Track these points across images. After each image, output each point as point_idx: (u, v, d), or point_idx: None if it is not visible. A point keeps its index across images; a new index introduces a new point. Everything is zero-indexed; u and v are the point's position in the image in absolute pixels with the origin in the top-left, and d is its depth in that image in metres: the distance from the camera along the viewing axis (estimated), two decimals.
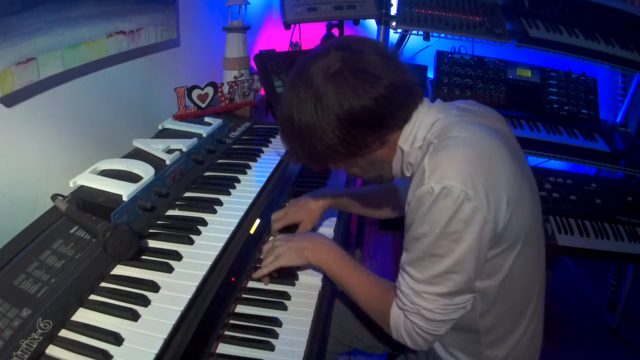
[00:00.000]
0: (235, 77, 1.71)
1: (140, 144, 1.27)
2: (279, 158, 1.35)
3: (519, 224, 0.83)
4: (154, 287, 0.84)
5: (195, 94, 1.49)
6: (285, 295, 1.02)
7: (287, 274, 1.09)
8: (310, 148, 0.87)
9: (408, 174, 0.93)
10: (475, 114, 0.94)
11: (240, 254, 1.02)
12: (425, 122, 0.89)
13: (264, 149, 1.40)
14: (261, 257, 1.10)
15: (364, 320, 1.22)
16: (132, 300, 0.80)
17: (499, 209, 0.79)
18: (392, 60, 0.86)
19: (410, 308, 0.84)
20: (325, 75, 0.83)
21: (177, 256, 0.92)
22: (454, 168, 0.78)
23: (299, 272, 1.11)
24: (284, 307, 0.99)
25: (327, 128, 0.83)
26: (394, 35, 2.17)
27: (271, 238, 1.20)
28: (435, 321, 0.84)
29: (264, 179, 1.23)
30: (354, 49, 0.85)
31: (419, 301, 0.83)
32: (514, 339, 0.93)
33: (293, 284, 1.07)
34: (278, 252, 1.05)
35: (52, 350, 0.71)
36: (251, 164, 1.30)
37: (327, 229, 1.28)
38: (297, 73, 0.88)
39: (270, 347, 0.89)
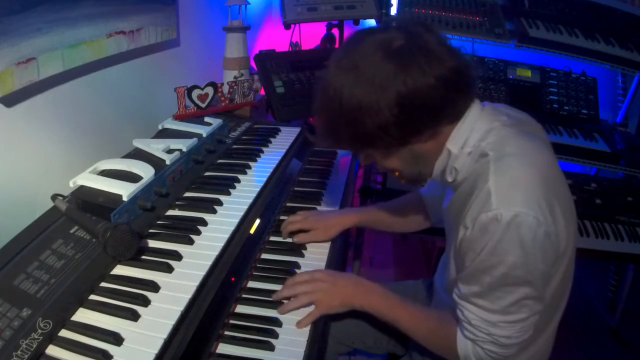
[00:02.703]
0: (235, 77, 1.71)
1: (140, 144, 1.27)
2: (279, 158, 1.35)
3: (571, 238, 0.81)
4: (154, 287, 0.84)
5: (195, 94, 1.49)
6: (284, 286, 1.02)
7: None
8: (358, 128, 0.81)
9: (449, 179, 0.89)
10: (523, 123, 0.91)
11: (240, 254, 1.02)
12: (480, 127, 0.84)
13: (264, 149, 1.40)
14: (293, 286, 1.00)
15: (364, 320, 1.22)
16: (132, 300, 0.80)
17: (561, 229, 0.78)
18: (451, 46, 0.83)
19: (485, 338, 0.82)
20: (387, 50, 0.77)
21: (177, 256, 0.92)
22: (523, 192, 0.76)
23: (298, 271, 1.11)
24: None
25: (383, 105, 0.77)
26: None
27: (301, 271, 1.09)
28: (511, 345, 0.82)
29: (264, 179, 1.23)
30: (414, 29, 0.81)
31: (495, 331, 0.81)
32: (533, 350, 0.92)
33: None
34: (318, 297, 0.97)
35: (52, 350, 0.71)
36: (251, 164, 1.30)
37: None
38: (350, 46, 0.82)
39: (270, 347, 0.89)
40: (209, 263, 0.91)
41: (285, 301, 0.99)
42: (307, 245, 1.19)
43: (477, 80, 0.87)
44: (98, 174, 1.10)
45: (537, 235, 0.74)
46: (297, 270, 1.11)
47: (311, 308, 0.98)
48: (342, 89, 0.79)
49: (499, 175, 0.78)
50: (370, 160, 0.93)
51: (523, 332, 0.82)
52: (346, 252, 1.31)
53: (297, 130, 1.55)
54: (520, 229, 0.74)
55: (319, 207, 1.34)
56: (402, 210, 1.26)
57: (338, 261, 1.20)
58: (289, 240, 1.20)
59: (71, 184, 1.05)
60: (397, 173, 0.94)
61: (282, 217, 1.29)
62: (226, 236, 0.99)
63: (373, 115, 0.78)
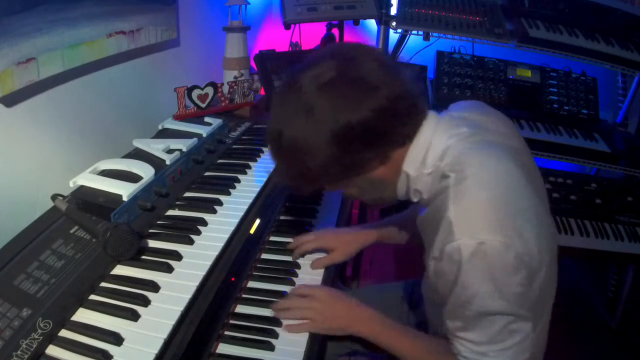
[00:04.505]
0: (235, 77, 1.71)
1: (140, 144, 1.27)
2: None
3: (544, 249, 0.79)
4: (154, 287, 0.84)
5: (195, 94, 1.49)
6: (285, 296, 1.02)
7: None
8: (302, 168, 0.79)
9: (415, 199, 0.87)
10: (487, 131, 0.86)
11: (240, 254, 1.02)
12: (436, 146, 0.81)
13: (264, 149, 1.40)
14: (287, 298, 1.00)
15: None
16: (132, 300, 0.80)
17: (532, 244, 0.75)
18: (391, 68, 0.78)
19: None
20: (318, 86, 0.75)
21: (177, 256, 0.92)
22: (484, 217, 0.73)
23: (298, 271, 1.11)
24: None
25: (320, 145, 0.75)
26: (394, 35, 2.17)
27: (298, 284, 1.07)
28: None
29: (264, 179, 1.23)
30: (349, 56, 0.77)
31: None
32: None
33: (293, 284, 1.07)
34: (311, 316, 0.95)
35: (52, 350, 0.71)
36: (251, 164, 1.30)
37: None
38: (285, 84, 0.80)
39: (270, 347, 0.89)
40: (209, 263, 0.91)
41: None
42: None
43: (422, 99, 0.83)
44: (98, 174, 1.10)
45: (507, 260, 0.71)
46: (297, 270, 1.11)
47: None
48: (280, 128, 0.78)
49: (458, 202, 0.75)
50: (336, 188, 0.90)
51: (517, 354, 0.79)
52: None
53: None
54: (487, 257, 0.71)
55: (319, 207, 1.34)
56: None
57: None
58: (306, 262, 1.14)
59: (71, 184, 1.05)
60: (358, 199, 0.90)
61: (282, 217, 1.30)
62: (226, 236, 0.99)
63: (311, 155, 0.76)
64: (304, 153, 0.77)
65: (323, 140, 0.75)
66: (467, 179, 0.76)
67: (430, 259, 0.80)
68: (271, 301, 1.00)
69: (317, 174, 0.79)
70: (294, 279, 1.08)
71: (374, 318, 0.97)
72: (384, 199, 0.91)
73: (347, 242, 1.16)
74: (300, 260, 1.14)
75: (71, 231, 0.91)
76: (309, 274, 1.11)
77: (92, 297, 0.82)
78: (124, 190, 1.01)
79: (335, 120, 0.74)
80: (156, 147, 1.24)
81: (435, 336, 0.95)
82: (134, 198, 1.00)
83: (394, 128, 0.78)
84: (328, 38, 2.21)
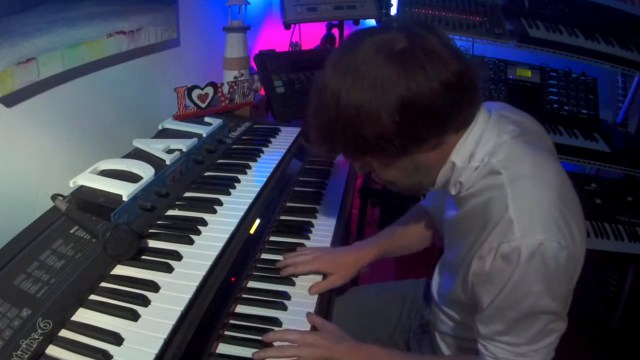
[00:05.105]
0: (235, 77, 1.71)
1: (140, 144, 1.27)
2: (279, 158, 1.35)
3: (583, 249, 0.78)
4: (154, 287, 0.84)
5: (195, 94, 1.49)
6: (285, 295, 1.02)
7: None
8: (355, 135, 0.75)
9: (453, 192, 0.85)
10: (529, 132, 0.86)
11: (240, 254, 1.02)
12: (488, 139, 0.80)
13: (264, 149, 1.40)
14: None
15: (364, 320, 1.22)
16: (132, 300, 0.80)
17: (578, 245, 0.76)
18: (456, 49, 0.77)
19: None
20: (389, 53, 0.72)
21: (177, 256, 0.92)
22: (546, 218, 0.73)
23: (295, 277, 1.11)
24: (284, 307, 0.99)
25: (384, 111, 0.71)
26: None
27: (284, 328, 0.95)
28: None
29: (264, 179, 1.23)
30: (417, 30, 0.75)
31: None
32: None
33: (293, 284, 1.07)
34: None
35: (52, 350, 0.71)
36: (251, 164, 1.30)
37: (327, 228, 1.27)
38: (348, 47, 0.77)
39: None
40: (209, 263, 0.91)
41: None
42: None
43: (482, 84, 0.81)
44: (98, 174, 1.10)
45: (561, 260, 0.72)
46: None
47: None
48: (340, 92, 0.74)
49: (519, 201, 0.75)
50: (367, 170, 0.88)
51: (550, 353, 0.80)
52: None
53: (297, 130, 1.55)
54: (544, 257, 0.72)
55: (319, 207, 1.34)
56: (413, 230, 1.22)
57: None
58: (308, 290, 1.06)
59: (71, 184, 1.05)
60: (393, 184, 0.88)
61: (282, 217, 1.29)
62: (226, 236, 0.99)
63: (373, 121, 0.73)
64: (364, 119, 0.73)
65: (389, 107, 0.72)
66: (525, 179, 0.76)
67: (474, 258, 0.79)
68: (271, 301, 1.00)
69: (371, 144, 0.75)
70: (293, 279, 1.08)
71: (375, 355, 0.94)
72: (422, 187, 0.89)
73: (346, 265, 1.11)
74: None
75: (71, 231, 0.91)
76: (309, 275, 1.11)
77: (92, 297, 0.82)
78: (124, 190, 1.01)
79: (407, 87, 0.71)
80: (156, 147, 1.24)
81: (448, 357, 0.94)
82: (134, 198, 1.00)
83: (457, 107, 0.76)
84: (328, 38, 2.21)
